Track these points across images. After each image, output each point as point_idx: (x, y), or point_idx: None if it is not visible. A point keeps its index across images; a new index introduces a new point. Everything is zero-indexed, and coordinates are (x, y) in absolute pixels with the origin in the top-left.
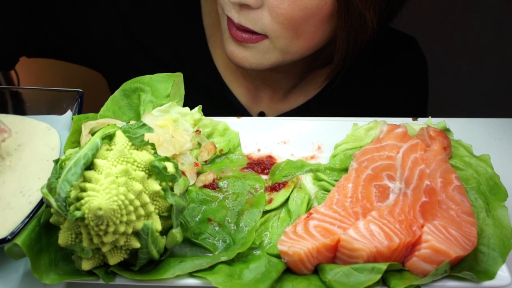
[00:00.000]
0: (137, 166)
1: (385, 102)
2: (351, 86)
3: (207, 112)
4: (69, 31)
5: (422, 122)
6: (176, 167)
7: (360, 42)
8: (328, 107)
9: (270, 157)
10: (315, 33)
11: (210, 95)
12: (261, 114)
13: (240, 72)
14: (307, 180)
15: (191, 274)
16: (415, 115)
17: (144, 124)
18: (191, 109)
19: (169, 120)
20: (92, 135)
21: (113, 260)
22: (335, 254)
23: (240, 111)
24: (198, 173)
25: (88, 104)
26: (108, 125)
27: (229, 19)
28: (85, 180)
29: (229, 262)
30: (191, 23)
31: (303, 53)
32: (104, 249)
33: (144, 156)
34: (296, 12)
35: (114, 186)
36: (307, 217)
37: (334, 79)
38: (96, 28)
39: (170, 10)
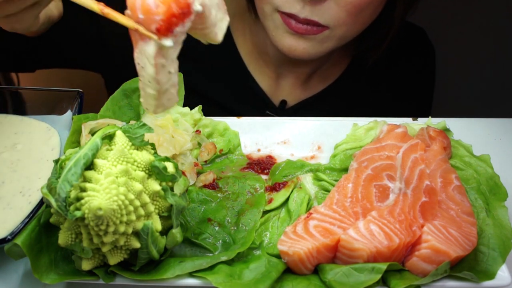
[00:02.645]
0: (137, 166)
1: (397, 89)
2: (366, 74)
3: (227, 101)
4: (83, 36)
5: (422, 122)
6: (176, 167)
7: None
8: (346, 94)
9: (270, 157)
10: (371, 16)
11: (234, 83)
12: (283, 102)
13: (263, 60)
14: (307, 180)
15: (191, 274)
16: (421, 105)
17: (144, 124)
18: (190, 109)
19: (169, 120)
20: (92, 135)
21: (113, 260)
22: (335, 254)
23: (263, 99)
24: (198, 173)
25: (88, 104)
26: (108, 125)
27: (288, 16)
28: (85, 180)
29: (229, 262)
30: None
31: (354, 36)
32: (104, 249)
33: (144, 156)
34: None
35: (114, 186)
36: (307, 217)
37: (351, 66)
38: (108, 29)
39: None
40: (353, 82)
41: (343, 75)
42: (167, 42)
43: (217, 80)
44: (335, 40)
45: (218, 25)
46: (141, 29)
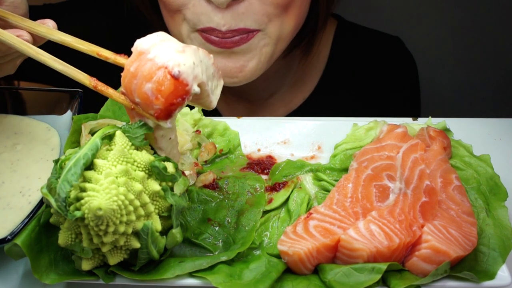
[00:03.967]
0: (137, 166)
1: (375, 105)
2: (337, 94)
3: None
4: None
5: (422, 122)
6: (176, 167)
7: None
8: (314, 114)
9: (270, 157)
10: (301, 7)
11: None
12: None
13: None
14: (307, 180)
15: (191, 274)
16: (409, 115)
17: (144, 124)
18: (190, 109)
19: None
20: (92, 135)
21: (113, 260)
22: (335, 254)
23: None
24: (198, 173)
25: (88, 104)
26: (108, 125)
27: (209, 32)
28: (85, 180)
29: (229, 262)
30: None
31: (292, 34)
32: (104, 249)
33: (144, 156)
34: None
35: (114, 186)
36: (307, 217)
37: (317, 89)
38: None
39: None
40: (319, 106)
41: (308, 100)
42: (166, 124)
43: None
44: (272, 44)
45: (213, 94)
46: (138, 109)
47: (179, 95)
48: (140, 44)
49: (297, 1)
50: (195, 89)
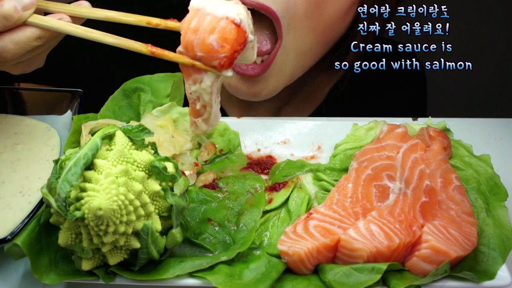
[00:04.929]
0: (137, 166)
1: (384, 107)
2: (350, 100)
3: None
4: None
5: (422, 122)
6: (176, 167)
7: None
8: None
9: (270, 157)
10: (332, 23)
11: None
12: None
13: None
14: (307, 180)
15: (191, 274)
16: (415, 115)
17: (145, 128)
18: None
19: (169, 120)
20: (92, 135)
21: (113, 260)
22: (335, 254)
23: None
24: (198, 173)
25: (88, 104)
26: (108, 125)
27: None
28: (85, 180)
29: (229, 262)
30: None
31: (319, 53)
32: (104, 249)
33: (144, 156)
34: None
35: (114, 186)
36: (307, 217)
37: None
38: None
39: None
40: (331, 115)
41: (318, 109)
42: (228, 73)
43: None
44: (292, 59)
45: (254, 48)
46: (199, 64)
47: (241, 41)
48: (196, 2)
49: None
50: (251, 36)
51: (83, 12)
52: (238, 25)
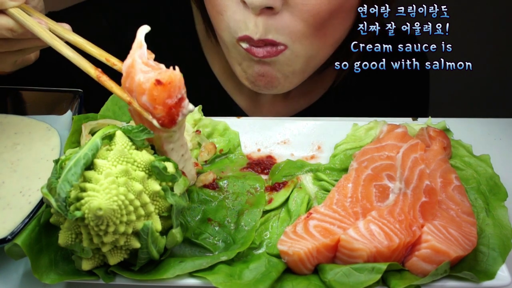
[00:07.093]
0: (137, 166)
1: (389, 100)
2: (355, 88)
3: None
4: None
5: (422, 122)
6: (176, 167)
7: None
8: (332, 109)
9: (270, 157)
10: (338, 28)
11: (211, 102)
12: None
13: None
14: (307, 180)
15: (191, 274)
16: (416, 113)
17: (145, 128)
18: None
19: None
20: (92, 135)
21: (113, 260)
22: (335, 254)
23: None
24: (198, 173)
25: (88, 104)
26: (108, 125)
27: (247, 42)
28: (85, 180)
29: (229, 262)
30: (185, 31)
31: (327, 54)
32: (104, 249)
33: (144, 156)
34: (323, 6)
35: (114, 186)
36: (307, 217)
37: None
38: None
39: (162, 19)
40: (340, 99)
41: (329, 91)
42: (174, 133)
43: (193, 100)
44: (302, 62)
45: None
46: (146, 114)
47: (174, 95)
48: (125, 62)
49: (333, 21)
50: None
51: (58, 30)
52: (164, 84)
